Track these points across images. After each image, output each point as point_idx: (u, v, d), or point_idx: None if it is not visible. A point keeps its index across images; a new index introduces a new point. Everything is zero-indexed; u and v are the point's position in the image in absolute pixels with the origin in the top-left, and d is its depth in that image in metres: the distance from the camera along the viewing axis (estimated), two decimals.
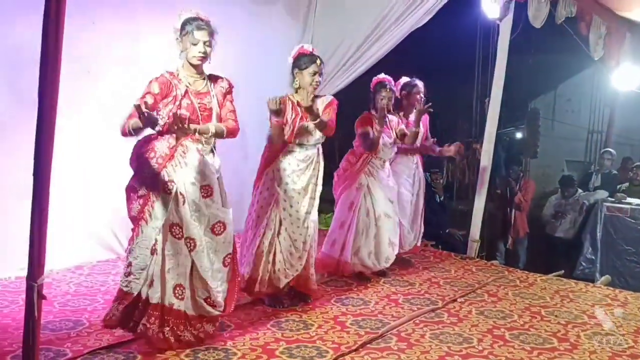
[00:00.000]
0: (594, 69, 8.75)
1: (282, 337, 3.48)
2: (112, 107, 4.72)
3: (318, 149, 4.00)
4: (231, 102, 3.37)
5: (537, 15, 5.59)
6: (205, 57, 3.17)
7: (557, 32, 6.08)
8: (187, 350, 3.18)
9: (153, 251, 3.09)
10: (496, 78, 5.88)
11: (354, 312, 3.98)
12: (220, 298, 3.25)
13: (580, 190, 7.67)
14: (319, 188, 4.00)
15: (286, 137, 3.85)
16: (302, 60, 3.82)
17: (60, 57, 2.37)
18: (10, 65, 4.18)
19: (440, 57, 7.69)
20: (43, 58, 2.35)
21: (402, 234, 5.06)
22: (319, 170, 3.99)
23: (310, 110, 3.74)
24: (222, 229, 3.23)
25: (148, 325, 3.11)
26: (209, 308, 3.22)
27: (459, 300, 4.31)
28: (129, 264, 3.12)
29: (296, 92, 3.89)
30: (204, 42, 3.13)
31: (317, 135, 3.92)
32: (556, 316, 4.03)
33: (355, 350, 3.33)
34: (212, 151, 3.29)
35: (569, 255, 7.14)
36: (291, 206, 3.88)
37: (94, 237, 4.91)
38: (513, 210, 7.67)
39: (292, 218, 3.89)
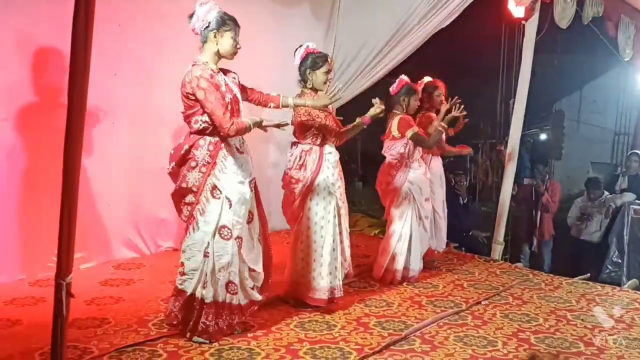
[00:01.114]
0: (620, 70, 8.62)
1: (305, 337, 3.48)
2: (137, 108, 4.82)
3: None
4: None
5: (563, 16, 5.54)
6: None
7: (583, 32, 6.01)
8: (212, 350, 3.21)
9: (206, 254, 3.21)
10: (521, 79, 5.82)
11: (377, 313, 3.97)
12: (261, 281, 3.43)
13: (606, 193, 7.54)
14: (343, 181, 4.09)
15: (319, 140, 3.87)
16: (314, 60, 3.82)
17: (90, 59, 2.40)
18: (38, 65, 4.25)
19: (464, 58, 7.64)
20: (73, 60, 2.38)
21: (442, 232, 5.17)
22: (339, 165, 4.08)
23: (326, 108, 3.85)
24: (251, 218, 3.39)
25: (207, 323, 3.26)
26: (255, 294, 3.39)
27: (483, 302, 4.27)
28: (182, 264, 3.28)
29: (307, 89, 3.88)
30: (238, 36, 3.24)
31: None
32: (582, 320, 3.97)
33: (379, 351, 3.32)
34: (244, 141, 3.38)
35: (595, 259, 7.03)
36: (340, 205, 3.98)
37: (119, 236, 4.98)
38: (539, 212, 7.57)
39: (345, 218, 4.02)
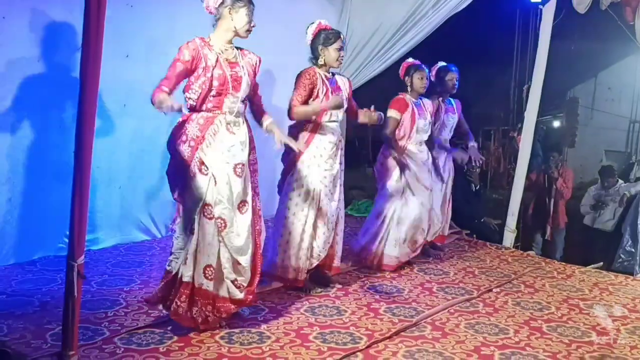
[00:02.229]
0: (637, 57, 8.47)
1: (315, 322, 3.48)
2: (149, 90, 4.78)
3: (343, 129, 3.99)
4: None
5: (581, 1, 5.43)
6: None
7: (601, 18, 5.91)
8: (222, 332, 3.22)
9: (191, 231, 3.14)
10: (537, 65, 5.71)
11: (388, 299, 3.96)
12: (246, 279, 3.27)
13: (620, 181, 7.46)
14: (342, 169, 4.04)
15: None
16: (326, 36, 3.80)
17: (102, 40, 2.39)
18: (51, 46, 4.24)
19: (478, 43, 7.54)
20: (85, 41, 2.37)
21: (432, 221, 5.00)
22: (342, 150, 4.02)
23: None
24: (246, 208, 3.25)
25: (179, 303, 3.15)
26: (234, 290, 3.23)
27: (494, 290, 4.24)
28: (172, 244, 3.23)
29: (319, 68, 3.86)
30: (253, 14, 3.17)
31: (342, 113, 3.95)
32: (595, 309, 3.93)
33: (389, 337, 3.31)
34: (244, 124, 3.28)
35: (608, 248, 6.96)
36: (329, 191, 3.91)
37: (131, 218, 4.99)
38: (552, 200, 7.50)
39: (330, 203, 3.91)
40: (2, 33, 3.98)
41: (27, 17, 4.09)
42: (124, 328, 3.22)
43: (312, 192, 3.86)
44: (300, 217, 3.86)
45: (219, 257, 3.18)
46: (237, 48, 3.29)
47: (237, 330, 3.26)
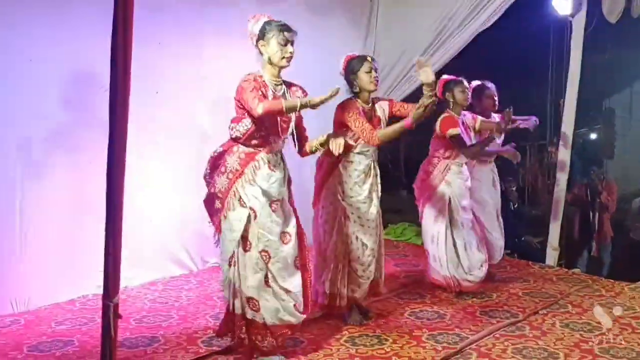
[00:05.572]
0: None
1: (356, 353, 3.40)
2: (179, 126, 4.84)
3: (374, 156, 3.90)
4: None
5: (612, 10, 5.32)
6: (292, 57, 3.13)
7: (633, 26, 5.79)
8: None
9: (230, 263, 3.14)
10: (570, 78, 5.60)
11: (430, 325, 3.85)
12: (301, 301, 3.24)
13: None
14: (379, 194, 3.93)
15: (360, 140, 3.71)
16: (353, 64, 3.74)
17: (130, 78, 2.39)
18: (81, 87, 4.31)
19: (509, 58, 7.44)
20: (113, 80, 2.38)
21: (493, 244, 4.82)
22: (377, 177, 3.91)
23: (373, 112, 3.78)
24: (288, 239, 3.22)
25: (242, 336, 3.21)
26: (298, 314, 3.20)
27: (541, 312, 4.09)
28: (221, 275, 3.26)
29: (357, 96, 3.78)
30: (292, 42, 3.11)
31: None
32: None
33: None
34: (282, 160, 3.27)
35: None
36: (359, 217, 3.81)
37: (166, 253, 5.00)
38: (596, 214, 7.26)
39: (364, 228, 3.81)
40: (31, 77, 4.05)
41: (55, 59, 4.16)
42: None
43: (337, 220, 3.79)
44: (331, 246, 3.79)
45: (268, 288, 3.14)
46: (285, 83, 3.24)
47: None
